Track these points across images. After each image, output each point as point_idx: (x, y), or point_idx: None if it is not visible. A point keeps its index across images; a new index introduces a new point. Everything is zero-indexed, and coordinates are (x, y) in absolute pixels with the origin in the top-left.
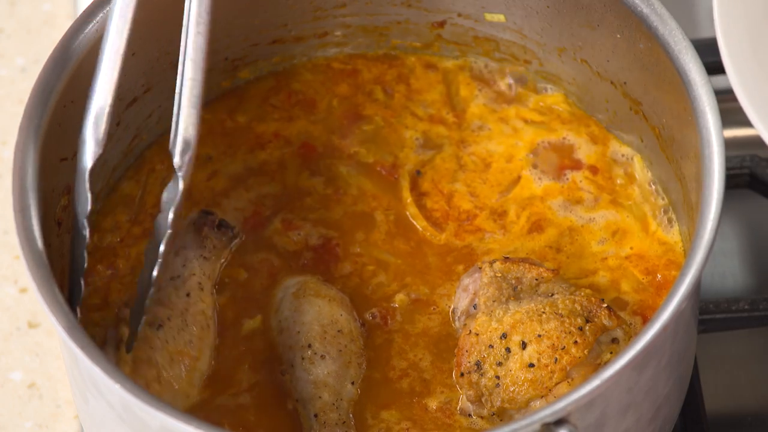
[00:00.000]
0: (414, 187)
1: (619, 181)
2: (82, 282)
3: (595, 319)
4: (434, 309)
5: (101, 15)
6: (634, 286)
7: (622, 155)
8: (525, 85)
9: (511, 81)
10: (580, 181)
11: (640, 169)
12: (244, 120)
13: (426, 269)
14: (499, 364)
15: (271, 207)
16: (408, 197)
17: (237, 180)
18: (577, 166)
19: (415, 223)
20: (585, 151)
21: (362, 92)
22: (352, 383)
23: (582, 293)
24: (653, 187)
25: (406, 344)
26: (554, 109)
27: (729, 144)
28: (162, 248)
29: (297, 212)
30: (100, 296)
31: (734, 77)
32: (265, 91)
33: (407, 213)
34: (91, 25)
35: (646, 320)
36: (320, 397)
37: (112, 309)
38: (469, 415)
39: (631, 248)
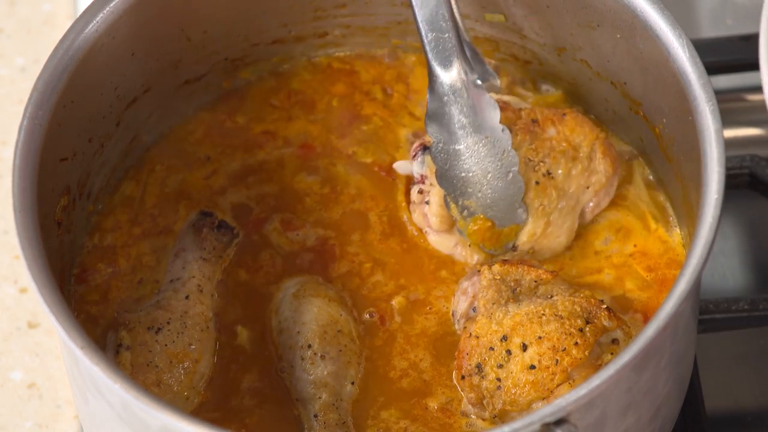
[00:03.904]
0: (408, 189)
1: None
2: None
3: (595, 320)
4: (430, 309)
5: (101, 15)
6: (638, 284)
7: (623, 155)
8: (524, 85)
9: (510, 80)
10: None
11: (640, 169)
12: (244, 120)
13: (421, 270)
14: (500, 366)
15: (269, 207)
16: (402, 200)
17: (235, 179)
18: None
19: (409, 226)
20: None
21: (361, 92)
22: (352, 383)
23: (581, 294)
24: (653, 187)
25: (408, 344)
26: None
27: (729, 144)
28: None
29: (296, 213)
30: (100, 292)
31: None
32: (265, 91)
33: (402, 215)
34: (91, 25)
35: (647, 317)
36: (320, 398)
37: (111, 305)
38: (470, 417)
39: (635, 246)
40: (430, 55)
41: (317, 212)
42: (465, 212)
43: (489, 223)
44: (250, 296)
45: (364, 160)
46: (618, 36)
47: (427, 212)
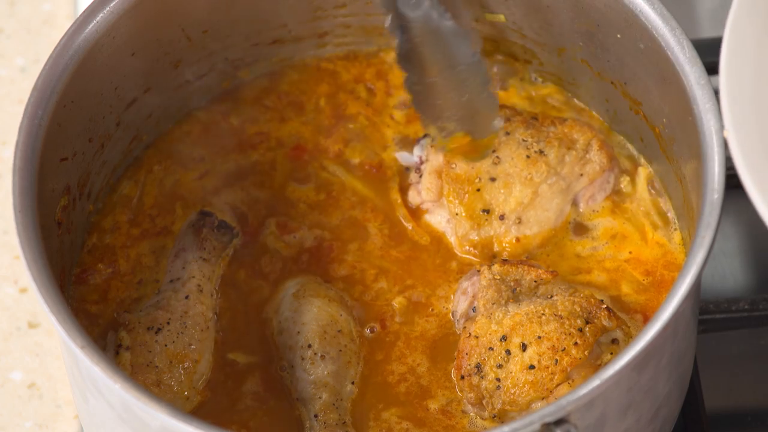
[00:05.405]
0: (402, 186)
1: (616, 182)
2: None
3: (595, 320)
4: (432, 311)
5: (101, 15)
6: (634, 287)
7: (622, 155)
8: (519, 79)
9: (495, 69)
10: None
11: (640, 169)
12: (238, 121)
13: (423, 270)
14: (500, 366)
15: (265, 208)
16: (397, 198)
17: (229, 180)
18: None
19: (406, 224)
20: None
21: (344, 90)
22: (353, 383)
23: (581, 294)
24: (653, 187)
25: (407, 348)
26: (548, 102)
27: None
28: None
29: (291, 214)
30: (100, 292)
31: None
32: (259, 92)
33: (398, 214)
34: (91, 25)
35: (647, 318)
36: (320, 398)
37: (111, 305)
38: (470, 414)
39: (630, 252)
40: (398, 2)
41: (313, 213)
42: (444, 132)
43: (468, 139)
44: (250, 297)
45: (353, 160)
46: (618, 36)
47: (420, 187)
